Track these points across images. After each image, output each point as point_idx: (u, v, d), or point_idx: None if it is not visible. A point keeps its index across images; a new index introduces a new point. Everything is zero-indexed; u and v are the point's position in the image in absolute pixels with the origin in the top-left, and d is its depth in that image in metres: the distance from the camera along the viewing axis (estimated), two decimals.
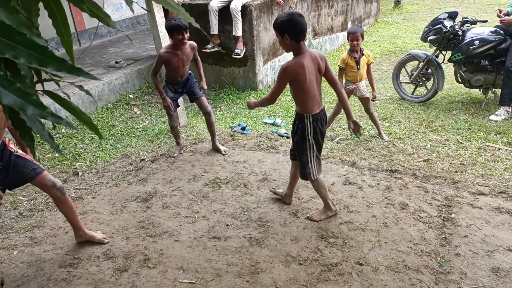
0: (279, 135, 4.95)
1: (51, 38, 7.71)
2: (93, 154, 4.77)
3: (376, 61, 7.67)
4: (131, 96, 6.62)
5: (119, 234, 3.20)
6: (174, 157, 4.41)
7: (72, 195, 3.82)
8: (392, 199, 3.47)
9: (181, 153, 4.51)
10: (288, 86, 2.94)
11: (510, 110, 5.07)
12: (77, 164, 4.51)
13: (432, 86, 5.65)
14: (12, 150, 2.68)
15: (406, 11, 13.00)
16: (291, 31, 2.74)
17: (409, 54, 5.90)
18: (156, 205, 3.56)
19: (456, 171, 3.91)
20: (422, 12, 12.50)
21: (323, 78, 3.01)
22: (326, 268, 2.74)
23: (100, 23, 1.22)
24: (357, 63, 4.40)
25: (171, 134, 4.86)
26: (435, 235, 3.03)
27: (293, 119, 3.09)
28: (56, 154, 4.57)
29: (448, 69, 6.20)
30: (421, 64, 5.67)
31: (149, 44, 8.43)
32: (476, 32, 5.25)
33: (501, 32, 5.15)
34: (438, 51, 5.57)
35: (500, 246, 2.88)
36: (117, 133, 5.36)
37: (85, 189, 3.93)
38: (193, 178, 3.97)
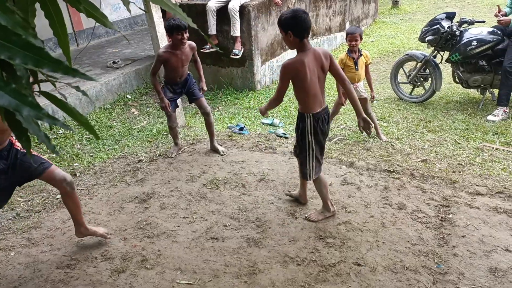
0: (277, 136, 4.95)
1: (48, 39, 7.71)
2: (91, 154, 4.76)
3: (374, 62, 7.67)
4: (129, 96, 6.60)
5: (116, 235, 3.19)
6: (172, 157, 4.40)
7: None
8: (390, 200, 3.48)
9: (179, 153, 4.51)
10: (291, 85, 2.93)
11: (507, 110, 5.08)
12: (75, 164, 4.50)
13: (430, 86, 5.66)
14: (19, 148, 2.67)
15: (404, 11, 13.01)
16: (294, 28, 2.72)
17: (407, 54, 5.90)
18: (154, 206, 3.55)
19: (453, 171, 3.91)
20: (420, 13, 12.52)
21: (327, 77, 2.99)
22: (324, 269, 2.73)
23: (98, 23, 1.21)
24: (355, 63, 4.40)
25: (169, 135, 4.86)
26: (432, 235, 3.03)
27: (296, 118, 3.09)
28: (53, 155, 4.56)
29: (446, 70, 6.20)
30: (419, 64, 5.67)
31: (147, 44, 8.42)
32: (473, 32, 5.25)
33: (499, 32, 5.16)
34: (436, 51, 5.57)
35: (498, 246, 2.88)
36: (115, 134, 5.35)
37: (83, 189, 3.92)
38: (191, 179, 3.96)
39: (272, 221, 3.26)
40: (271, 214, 3.36)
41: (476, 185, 3.64)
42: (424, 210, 3.33)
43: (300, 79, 2.81)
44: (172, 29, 3.91)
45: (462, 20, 5.43)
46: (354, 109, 3.07)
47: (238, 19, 6.10)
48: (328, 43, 8.89)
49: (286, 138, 4.89)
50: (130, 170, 4.21)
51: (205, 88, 4.43)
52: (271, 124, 5.35)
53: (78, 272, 2.82)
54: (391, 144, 4.56)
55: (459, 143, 4.52)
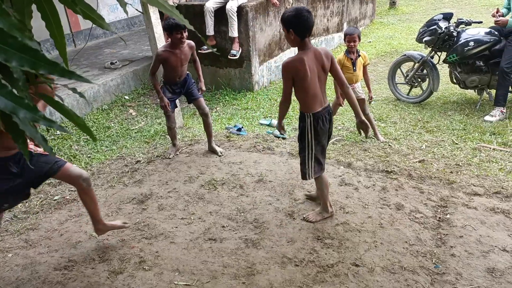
0: (275, 136, 4.95)
1: (46, 40, 7.69)
2: (88, 155, 4.75)
3: (372, 62, 7.69)
4: (126, 97, 6.60)
5: (114, 236, 3.18)
6: (170, 158, 4.40)
7: (67, 197, 3.81)
8: (387, 200, 3.48)
9: (177, 154, 4.51)
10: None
11: (504, 110, 5.10)
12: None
13: (427, 87, 5.67)
14: (32, 150, 2.68)
15: (401, 12, 13.04)
16: (296, 27, 2.72)
17: (405, 55, 5.92)
18: (152, 207, 3.55)
19: (451, 172, 3.92)
20: (417, 13, 12.55)
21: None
22: (322, 269, 2.73)
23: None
24: (353, 64, 4.40)
25: (167, 135, 4.86)
26: (430, 236, 3.04)
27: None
28: None
29: (443, 70, 6.22)
30: (417, 65, 5.69)
31: (144, 45, 8.41)
32: (471, 33, 5.27)
33: (496, 33, 5.18)
34: (433, 52, 5.59)
35: (495, 246, 2.89)
36: (113, 135, 5.34)
37: None
38: (189, 180, 3.96)
39: (270, 222, 3.26)
40: (269, 215, 3.36)
41: (474, 186, 3.65)
42: (422, 210, 3.33)
43: (300, 78, 2.80)
44: (171, 28, 3.90)
45: (459, 20, 5.45)
46: (353, 111, 3.09)
47: (236, 19, 6.10)
48: (326, 44, 8.90)
49: (284, 139, 4.89)
50: (128, 171, 4.20)
51: (203, 88, 4.42)
52: (269, 125, 5.36)
53: (75, 273, 2.81)
54: (389, 145, 4.56)
55: (456, 144, 4.53)
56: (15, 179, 2.55)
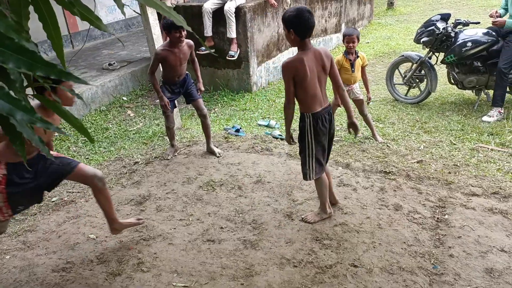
0: (273, 137, 4.95)
1: (43, 41, 7.69)
2: (86, 157, 4.75)
3: (370, 63, 7.69)
4: (124, 98, 6.59)
5: (112, 238, 3.18)
6: (168, 159, 4.39)
7: (65, 199, 3.80)
8: (386, 201, 3.48)
9: (175, 155, 4.50)
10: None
11: (502, 111, 5.10)
12: None
13: (425, 87, 5.68)
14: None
15: (399, 12, 13.06)
16: (297, 27, 2.72)
17: (403, 55, 5.92)
18: (150, 208, 3.54)
19: (449, 172, 3.92)
20: (415, 14, 12.58)
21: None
22: (321, 270, 2.73)
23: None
24: (352, 65, 4.40)
25: (165, 137, 4.85)
26: (429, 236, 3.04)
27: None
28: None
29: (441, 71, 6.23)
30: (414, 65, 5.69)
31: (142, 46, 8.40)
32: (468, 33, 5.28)
33: (493, 33, 5.19)
34: (431, 52, 5.59)
35: (494, 246, 2.89)
36: (111, 136, 5.34)
37: (78, 192, 3.91)
38: (187, 181, 3.96)
39: (269, 223, 3.26)
40: (268, 216, 3.36)
41: (472, 186, 3.66)
42: (420, 211, 3.34)
43: (300, 78, 2.79)
44: (170, 27, 3.89)
45: (457, 21, 5.45)
46: (346, 112, 3.14)
47: (234, 20, 6.10)
48: (324, 45, 8.91)
49: (282, 139, 4.89)
50: (126, 173, 4.20)
51: (202, 88, 4.41)
52: (268, 126, 5.36)
53: (73, 275, 2.81)
54: (387, 145, 4.57)
55: (454, 144, 4.54)
56: (30, 183, 2.57)
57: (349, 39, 4.29)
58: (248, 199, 3.61)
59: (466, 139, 4.65)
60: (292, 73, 2.79)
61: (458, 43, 5.24)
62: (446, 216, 3.26)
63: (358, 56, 4.42)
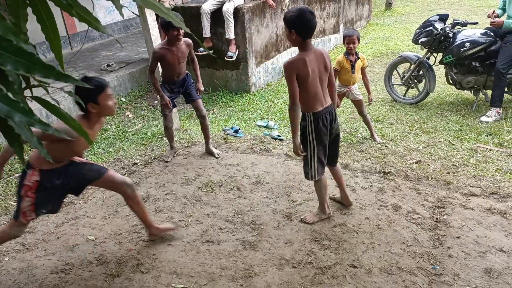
0: (272, 138, 4.95)
1: (42, 42, 7.66)
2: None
3: (368, 63, 7.69)
4: (123, 99, 6.58)
5: (111, 239, 3.17)
6: (167, 161, 4.38)
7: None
8: (385, 201, 3.48)
9: (174, 156, 4.50)
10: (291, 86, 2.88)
11: (500, 111, 5.11)
12: None
13: (424, 88, 5.68)
14: (75, 160, 2.73)
15: (397, 13, 13.08)
16: (299, 28, 2.72)
17: (401, 56, 5.93)
18: (149, 209, 3.53)
19: (448, 172, 3.93)
20: (413, 14, 12.59)
21: None
22: (320, 271, 2.73)
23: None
24: (352, 66, 4.39)
25: (164, 137, 4.85)
26: (428, 237, 3.04)
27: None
28: None
29: (440, 71, 6.23)
30: (413, 66, 5.70)
31: (141, 47, 8.40)
32: (466, 34, 5.28)
33: (492, 34, 5.20)
34: (429, 53, 5.60)
35: (492, 247, 2.90)
36: (109, 137, 5.33)
37: None
38: (186, 182, 3.95)
39: (268, 224, 3.26)
40: (267, 217, 3.36)
41: (471, 186, 3.66)
42: (419, 211, 3.34)
43: (302, 78, 2.79)
44: (168, 26, 3.89)
45: (455, 21, 5.46)
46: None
47: (233, 21, 6.10)
48: (323, 45, 8.91)
49: (281, 140, 4.89)
50: (124, 174, 4.19)
51: (201, 88, 4.40)
52: (266, 126, 5.35)
53: (73, 276, 2.80)
54: (386, 146, 4.57)
55: (453, 144, 4.54)
56: (58, 189, 2.62)
57: (350, 40, 4.28)
58: (247, 200, 3.61)
59: (464, 139, 4.65)
60: (295, 73, 2.77)
61: (456, 43, 5.25)
62: (445, 217, 3.26)
63: (358, 58, 4.41)
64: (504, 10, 5.23)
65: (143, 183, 3.99)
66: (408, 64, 5.83)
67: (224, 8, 6.04)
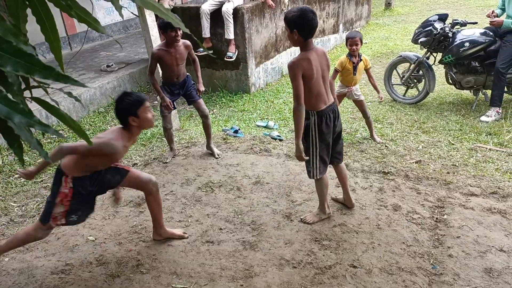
0: (272, 138, 4.95)
1: (41, 43, 7.66)
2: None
3: None
4: None
5: (111, 240, 3.17)
6: (166, 162, 4.38)
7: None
8: (385, 201, 3.48)
9: (174, 157, 4.50)
10: (290, 86, 2.90)
11: (500, 111, 5.11)
12: None
13: (423, 87, 5.69)
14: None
15: (397, 13, 13.08)
16: (301, 28, 2.72)
17: (400, 56, 5.93)
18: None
19: (448, 172, 3.93)
20: (413, 14, 12.60)
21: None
22: (320, 271, 2.73)
23: None
24: (355, 68, 4.38)
25: (163, 138, 4.84)
26: (428, 237, 3.04)
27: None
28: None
29: (439, 71, 6.24)
30: (412, 66, 5.70)
31: (141, 47, 8.40)
32: (466, 34, 5.29)
33: (491, 33, 5.20)
34: (429, 53, 5.60)
35: (492, 246, 2.90)
36: None
37: None
38: (186, 182, 3.95)
39: (268, 224, 3.26)
40: (267, 217, 3.36)
41: (470, 186, 3.66)
42: (419, 211, 3.34)
43: (307, 77, 2.80)
44: (166, 27, 3.89)
45: (454, 21, 5.46)
46: None
47: (232, 22, 6.10)
48: (322, 45, 8.92)
49: (281, 140, 4.89)
50: None
51: (201, 88, 4.38)
52: (266, 127, 5.35)
53: (73, 277, 2.80)
54: (386, 146, 4.57)
55: (453, 144, 4.54)
56: (90, 194, 2.66)
57: (352, 42, 4.27)
58: (247, 200, 3.61)
59: (464, 139, 4.66)
60: (301, 72, 2.77)
61: (455, 43, 5.25)
62: (445, 216, 3.26)
63: (361, 59, 4.40)
64: (503, 10, 5.23)
65: None
66: (408, 64, 5.83)
67: (224, 8, 6.04)
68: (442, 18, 5.60)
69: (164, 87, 4.25)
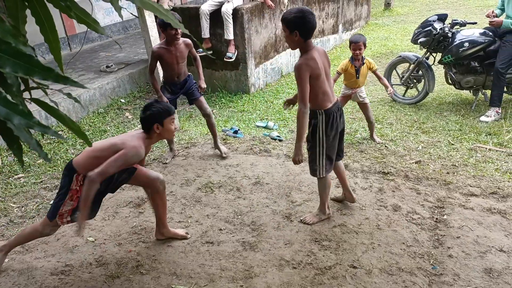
0: (271, 138, 4.94)
1: (41, 43, 7.67)
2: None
3: None
4: (122, 100, 6.58)
5: (111, 240, 3.17)
6: (166, 163, 4.37)
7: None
8: (384, 201, 3.48)
9: (173, 158, 4.49)
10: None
11: (500, 111, 5.11)
12: None
13: (423, 88, 5.69)
14: None
15: (396, 13, 13.09)
16: (302, 28, 2.73)
17: (400, 56, 5.93)
18: (149, 211, 3.53)
19: (447, 172, 3.93)
20: (412, 15, 12.60)
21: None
22: (320, 272, 2.73)
23: None
24: (357, 71, 4.37)
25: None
26: (427, 237, 3.04)
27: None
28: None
29: (439, 71, 6.24)
30: (412, 66, 5.70)
31: (140, 48, 8.40)
32: (465, 34, 5.29)
33: (490, 33, 5.20)
34: (428, 53, 5.60)
35: (492, 247, 2.90)
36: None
37: None
38: (186, 183, 3.95)
39: (268, 224, 3.26)
40: (266, 217, 3.35)
41: (470, 186, 3.66)
42: (419, 211, 3.34)
43: (314, 77, 2.80)
44: (166, 25, 3.89)
45: (454, 21, 5.46)
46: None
47: (231, 22, 6.10)
48: (321, 46, 8.92)
49: (280, 140, 4.89)
50: None
51: (203, 85, 4.34)
52: (266, 127, 5.35)
53: (72, 278, 2.80)
54: (385, 146, 4.57)
55: (452, 144, 4.54)
56: (98, 194, 2.64)
57: (356, 47, 4.24)
58: (246, 201, 3.61)
59: (464, 139, 4.66)
60: (309, 73, 2.78)
61: (455, 43, 5.25)
62: (445, 217, 3.26)
63: (364, 63, 4.38)
64: (502, 10, 5.23)
65: None
66: (407, 64, 5.83)
67: (223, 9, 6.04)
68: (442, 18, 5.60)
69: (165, 86, 4.25)
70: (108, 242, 3.15)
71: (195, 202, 3.63)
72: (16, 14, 1.11)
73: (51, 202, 3.74)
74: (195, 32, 6.21)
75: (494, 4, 10.49)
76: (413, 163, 4.15)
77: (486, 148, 4.40)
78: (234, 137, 5.00)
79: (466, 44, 5.18)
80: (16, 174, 4.34)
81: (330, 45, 9.32)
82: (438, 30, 5.38)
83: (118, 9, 1.17)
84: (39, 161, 4.65)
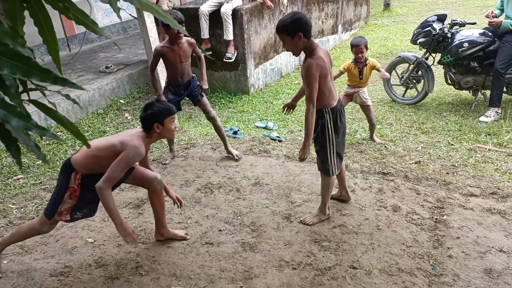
0: (271, 139, 4.94)
1: (40, 44, 7.65)
2: None
3: None
4: (122, 101, 6.58)
5: (110, 242, 3.17)
6: (166, 164, 4.37)
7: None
8: (384, 202, 3.48)
9: (173, 158, 4.49)
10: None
11: (499, 111, 5.11)
12: None
13: (423, 88, 5.69)
14: None
15: (395, 13, 13.09)
16: (304, 28, 2.75)
17: (399, 56, 5.92)
18: (148, 211, 3.52)
19: (447, 173, 3.93)
20: (412, 15, 12.60)
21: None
22: (320, 272, 2.73)
23: None
24: (360, 73, 4.37)
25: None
26: (427, 237, 3.04)
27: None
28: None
29: (438, 71, 6.24)
30: (411, 66, 5.70)
31: (139, 49, 8.39)
32: (465, 34, 5.29)
33: (490, 34, 5.20)
34: (428, 53, 5.60)
35: (492, 247, 2.89)
36: None
37: None
38: (185, 183, 3.95)
39: (267, 225, 3.26)
40: (266, 218, 3.35)
41: (470, 186, 3.66)
42: (419, 212, 3.34)
43: (323, 76, 2.81)
44: (168, 23, 3.87)
45: (453, 22, 5.47)
46: (295, 98, 3.46)
47: (231, 22, 6.10)
48: (321, 46, 8.91)
49: (280, 141, 4.89)
50: None
51: (204, 86, 4.29)
52: (265, 128, 5.35)
53: (72, 279, 2.79)
54: (385, 146, 4.57)
55: (452, 145, 4.54)
56: (97, 194, 2.64)
57: (357, 50, 4.23)
58: (246, 202, 3.60)
59: (463, 139, 4.65)
60: (318, 73, 2.78)
61: (454, 43, 5.25)
62: (445, 217, 3.26)
63: (366, 64, 4.38)
64: (502, 10, 5.23)
65: None
66: (407, 65, 5.83)
67: (223, 9, 6.04)
68: (441, 18, 5.60)
69: (168, 87, 4.23)
70: (107, 243, 3.15)
71: (195, 202, 3.63)
72: (15, 15, 1.11)
73: None
74: (195, 33, 6.21)
75: (493, 4, 10.50)
76: (412, 163, 4.15)
77: (486, 149, 4.40)
78: (234, 137, 5.00)
79: (466, 45, 5.18)
80: (15, 175, 4.34)
81: (329, 46, 9.32)
82: (437, 30, 5.38)
83: (117, 10, 1.17)
84: (38, 162, 4.64)
